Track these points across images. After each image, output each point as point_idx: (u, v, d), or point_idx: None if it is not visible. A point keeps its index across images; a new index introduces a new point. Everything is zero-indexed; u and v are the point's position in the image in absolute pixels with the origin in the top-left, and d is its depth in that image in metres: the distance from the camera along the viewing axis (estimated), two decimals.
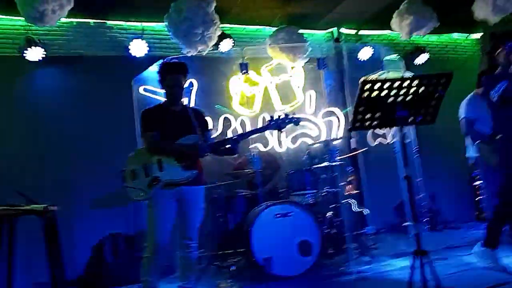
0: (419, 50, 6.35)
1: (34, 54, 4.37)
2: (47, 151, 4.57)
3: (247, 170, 4.24)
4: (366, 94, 2.37)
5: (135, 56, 4.82)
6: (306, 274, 3.55)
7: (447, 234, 5.23)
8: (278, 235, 3.57)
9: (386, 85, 2.36)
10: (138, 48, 4.81)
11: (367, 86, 2.34)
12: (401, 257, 3.98)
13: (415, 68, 6.14)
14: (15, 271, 2.55)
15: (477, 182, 5.88)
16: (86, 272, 4.25)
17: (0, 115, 4.44)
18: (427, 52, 6.36)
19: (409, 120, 2.53)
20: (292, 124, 3.04)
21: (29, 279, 3.81)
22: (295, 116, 3.05)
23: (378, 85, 2.36)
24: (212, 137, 3.24)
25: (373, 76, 5.95)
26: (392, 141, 5.60)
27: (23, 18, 4.07)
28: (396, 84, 2.36)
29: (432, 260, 2.30)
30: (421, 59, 6.29)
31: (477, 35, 6.91)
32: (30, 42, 4.33)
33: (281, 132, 3.06)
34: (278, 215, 3.60)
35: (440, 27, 5.33)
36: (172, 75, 2.98)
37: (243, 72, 3.89)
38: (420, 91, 2.43)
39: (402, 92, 2.40)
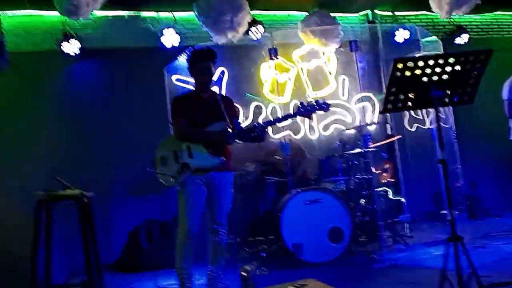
0: (460, 30, 6.02)
1: (71, 47, 4.53)
2: (84, 141, 4.75)
3: (276, 157, 4.21)
4: (399, 73, 2.26)
5: (168, 46, 4.88)
6: (337, 260, 3.51)
7: (487, 222, 5.01)
8: (308, 221, 3.54)
9: (420, 63, 2.24)
10: (170, 38, 4.87)
11: (400, 65, 2.23)
12: (437, 245, 3.85)
13: (455, 50, 5.84)
14: (53, 255, 2.67)
15: None
16: (122, 257, 4.40)
17: (39, 107, 4.65)
18: (468, 33, 6.04)
19: (445, 101, 2.40)
20: (321, 111, 2.98)
21: (67, 263, 4.00)
22: (324, 102, 2.98)
23: (411, 63, 2.24)
24: (241, 124, 3.23)
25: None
26: (431, 127, 5.36)
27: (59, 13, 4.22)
28: (431, 62, 2.24)
29: (467, 247, 2.19)
30: (462, 39, 5.97)
31: None
32: (67, 36, 4.48)
33: (311, 119, 3.01)
34: (308, 202, 3.56)
35: (482, 4, 5.01)
36: (201, 61, 2.99)
37: (272, 57, 3.83)
38: (457, 69, 2.29)
39: (437, 70, 2.27)
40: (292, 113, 3.06)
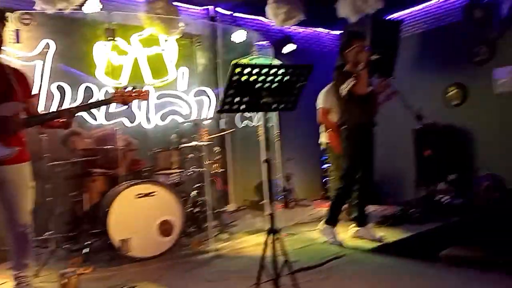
0: (287, 39, 6.73)
1: None
2: None
3: (106, 147, 3.94)
4: (236, 77, 2.40)
5: None
6: (165, 254, 3.50)
7: (298, 210, 5.71)
8: (138, 215, 3.43)
9: (255, 70, 2.42)
10: None
11: (238, 69, 2.37)
12: (256, 234, 4.24)
13: (282, 57, 6.50)
14: None
15: (326, 165, 6.63)
16: None
17: None
18: (294, 43, 6.81)
19: (273, 107, 2.66)
20: (139, 99, 2.79)
21: None
22: (142, 90, 2.80)
23: (248, 70, 2.41)
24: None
25: (244, 61, 6.14)
26: (258, 124, 5.85)
27: None
28: (264, 71, 2.45)
29: (283, 236, 2.50)
30: (288, 48, 6.69)
31: (338, 32, 7.62)
32: None
33: (128, 107, 2.81)
34: (139, 195, 3.46)
35: (306, 20, 5.67)
36: None
37: (108, 38, 3.53)
38: (284, 79, 2.57)
39: (269, 79, 2.50)
40: (106, 99, 2.77)
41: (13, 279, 2.61)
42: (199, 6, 5.98)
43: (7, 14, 3.36)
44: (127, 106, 2.81)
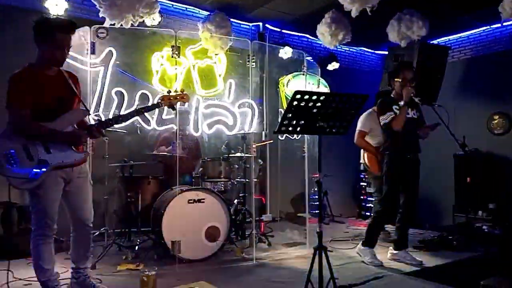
0: (332, 58, 6.88)
1: None
2: None
3: (166, 154, 4.24)
4: (296, 102, 2.58)
5: (51, 13, 4.39)
6: (210, 258, 3.72)
7: (333, 227, 5.83)
8: (188, 219, 3.67)
9: (314, 97, 2.60)
10: (55, 5, 4.40)
11: (299, 96, 2.55)
12: (295, 247, 4.40)
13: (327, 74, 6.65)
14: None
15: (363, 184, 6.71)
16: None
17: None
18: (338, 61, 6.95)
19: (326, 130, 2.82)
20: (181, 102, 3.06)
21: None
22: (184, 93, 3.05)
23: (307, 96, 2.58)
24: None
25: (289, 77, 6.33)
26: (298, 137, 5.98)
27: None
28: (323, 97, 2.62)
29: (328, 255, 2.63)
30: (333, 66, 6.84)
31: (383, 52, 7.70)
32: None
33: (174, 109, 3.07)
34: (191, 201, 3.69)
35: (353, 39, 5.77)
36: (62, 33, 2.53)
37: (174, 55, 3.79)
38: (339, 106, 2.73)
39: (325, 105, 2.67)
40: (156, 103, 2.99)
41: (72, 270, 2.83)
42: (250, 22, 6.24)
43: (86, 27, 3.76)
44: (173, 110, 3.09)
